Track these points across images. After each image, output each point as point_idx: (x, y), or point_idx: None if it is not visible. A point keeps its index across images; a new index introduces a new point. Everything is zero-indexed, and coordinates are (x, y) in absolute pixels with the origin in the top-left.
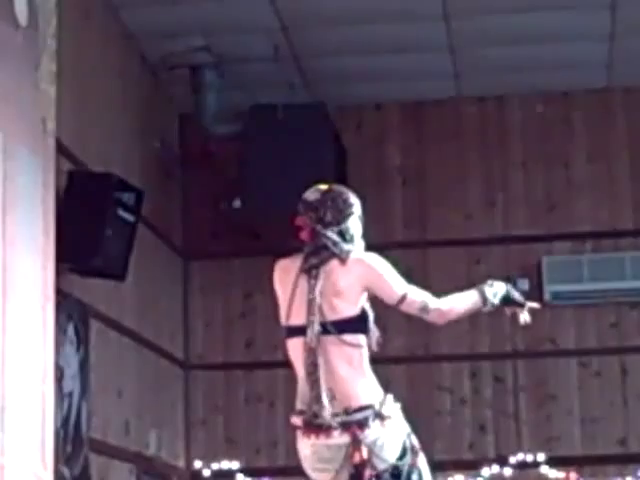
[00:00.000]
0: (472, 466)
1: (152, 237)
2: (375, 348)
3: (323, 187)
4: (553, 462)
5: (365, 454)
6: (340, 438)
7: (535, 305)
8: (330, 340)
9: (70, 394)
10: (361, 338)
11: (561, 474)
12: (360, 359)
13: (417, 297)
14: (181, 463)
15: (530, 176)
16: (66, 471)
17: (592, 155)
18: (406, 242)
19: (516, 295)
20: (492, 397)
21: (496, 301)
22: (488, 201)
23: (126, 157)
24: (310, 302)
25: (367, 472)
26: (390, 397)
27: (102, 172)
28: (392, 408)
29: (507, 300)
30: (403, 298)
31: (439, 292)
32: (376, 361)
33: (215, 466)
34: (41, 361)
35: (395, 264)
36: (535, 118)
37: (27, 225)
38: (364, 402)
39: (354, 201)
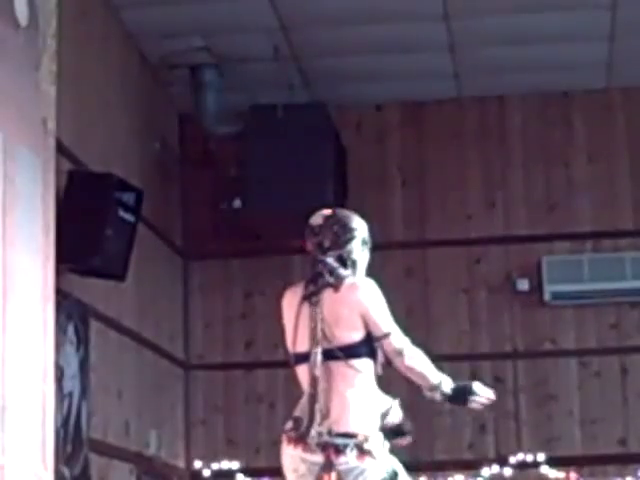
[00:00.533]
0: (472, 466)
1: (152, 237)
2: (380, 372)
3: (327, 212)
4: (553, 462)
5: (333, 479)
6: (315, 456)
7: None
8: (336, 365)
9: (70, 394)
10: (367, 363)
11: (561, 474)
12: (364, 385)
13: (397, 342)
14: (181, 463)
15: (530, 176)
16: (66, 471)
17: (592, 155)
18: (406, 242)
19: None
20: None
21: (438, 396)
22: (488, 201)
23: (126, 157)
24: (312, 330)
25: None
26: (379, 436)
27: (102, 172)
28: (377, 445)
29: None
30: (385, 336)
31: (439, 292)
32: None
33: (215, 466)
34: (41, 361)
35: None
36: (535, 118)
37: (27, 225)
38: (349, 429)
39: (356, 225)
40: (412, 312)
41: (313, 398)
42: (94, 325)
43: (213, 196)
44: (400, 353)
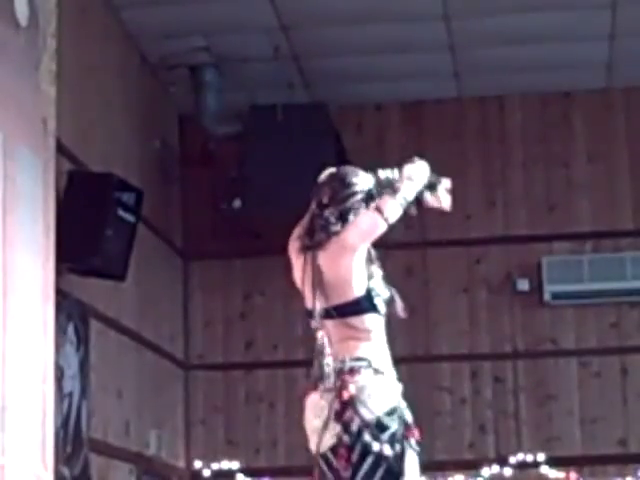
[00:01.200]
0: (472, 466)
1: (152, 237)
2: (403, 315)
3: (332, 170)
4: (553, 462)
5: (353, 390)
6: (332, 385)
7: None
8: (335, 323)
9: (70, 394)
10: (368, 319)
11: (561, 474)
12: (371, 339)
13: (391, 207)
14: (181, 463)
15: (530, 176)
16: (66, 471)
17: (592, 155)
18: (406, 242)
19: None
20: (492, 397)
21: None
22: (488, 201)
23: (126, 157)
24: (311, 287)
25: (354, 424)
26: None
27: (102, 172)
28: (389, 371)
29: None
30: (386, 221)
31: (439, 292)
32: None
33: (215, 466)
34: (41, 361)
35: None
36: (535, 118)
37: (27, 225)
38: (360, 354)
39: (357, 180)
40: (412, 312)
41: (321, 351)
42: (94, 325)
43: (213, 196)
44: (404, 204)
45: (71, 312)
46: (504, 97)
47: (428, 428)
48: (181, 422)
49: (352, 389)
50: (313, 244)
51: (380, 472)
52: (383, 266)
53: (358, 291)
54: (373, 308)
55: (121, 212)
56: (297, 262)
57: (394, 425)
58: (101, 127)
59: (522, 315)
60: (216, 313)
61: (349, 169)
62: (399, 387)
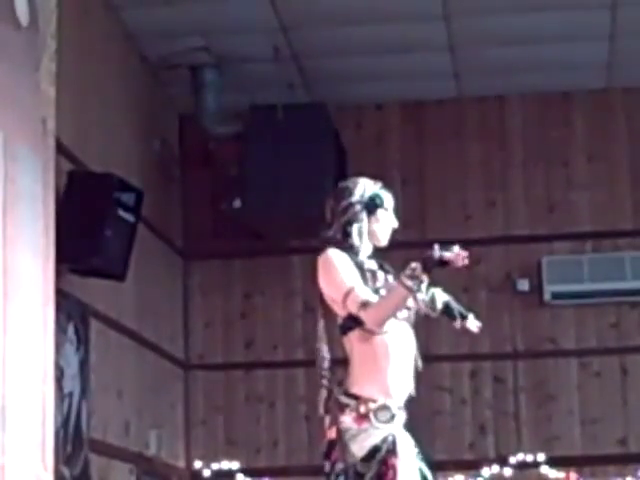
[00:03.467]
0: (472, 466)
1: (152, 237)
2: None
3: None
4: (553, 462)
5: (334, 434)
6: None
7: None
8: (345, 338)
9: (70, 394)
10: (353, 336)
11: (561, 474)
12: (368, 356)
13: (356, 298)
14: (181, 463)
15: (530, 176)
16: (66, 471)
17: (592, 155)
18: (406, 242)
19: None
20: (492, 397)
21: (413, 282)
22: (488, 201)
23: (126, 157)
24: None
25: (339, 465)
26: (384, 406)
27: (102, 172)
28: (378, 414)
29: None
30: (344, 300)
31: None
32: None
33: (215, 466)
34: (41, 361)
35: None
36: (535, 118)
37: (27, 225)
38: (351, 389)
39: (351, 192)
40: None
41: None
42: (94, 325)
43: (213, 196)
44: (364, 304)
45: (71, 312)
46: (504, 97)
47: (428, 428)
48: (181, 422)
49: (332, 433)
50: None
51: None
52: None
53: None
54: (356, 324)
55: (121, 212)
56: None
57: (369, 472)
58: (101, 127)
59: (522, 315)
60: (216, 313)
61: (348, 181)
62: (394, 420)
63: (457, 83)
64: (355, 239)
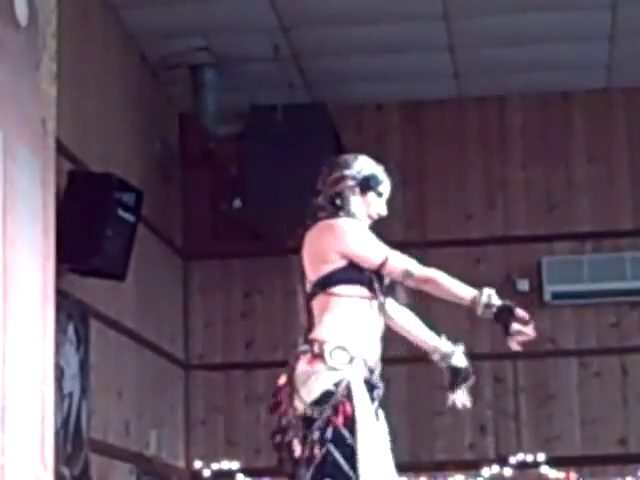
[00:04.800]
0: (472, 466)
1: (152, 237)
2: (405, 300)
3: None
4: (553, 462)
5: (283, 380)
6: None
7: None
8: (316, 301)
9: (70, 394)
10: (349, 289)
11: (561, 474)
12: (343, 307)
13: (399, 264)
14: (181, 463)
15: (530, 176)
16: (66, 471)
17: (592, 155)
18: (406, 242)
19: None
20: (492, 397)
21: (482, 311)
22: (488, 201)
23: (126, 157)
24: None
25: (290, 412)
26: (341, 347)
27: (102, 172)
28: (335, 355)
29: (501, 312)
30: (383, 265)
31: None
32: None
33: (215, 466)
34: (41, 361)
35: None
36: (535, 118)
37: (27, 225)
38: (314, 335)
39: (349, 165)
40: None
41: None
42: (94, 325)
43: (213, 196)
44: (407, 273)
45: (71, 312)
46: (504, 97)
47: (428, 428)
48: (181, 422)
49: (282, 379)
50: (305, 228)
51: (328, 464)
52: None
53: (334, 265)
54: (359, 280)
55: (121, 212)
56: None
57: (319, 418)
58: (101, 127)
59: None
60: (216, 313)
61: (348, 155)
62: (353, 364)
63: (457, 83)
64: (353, 213)
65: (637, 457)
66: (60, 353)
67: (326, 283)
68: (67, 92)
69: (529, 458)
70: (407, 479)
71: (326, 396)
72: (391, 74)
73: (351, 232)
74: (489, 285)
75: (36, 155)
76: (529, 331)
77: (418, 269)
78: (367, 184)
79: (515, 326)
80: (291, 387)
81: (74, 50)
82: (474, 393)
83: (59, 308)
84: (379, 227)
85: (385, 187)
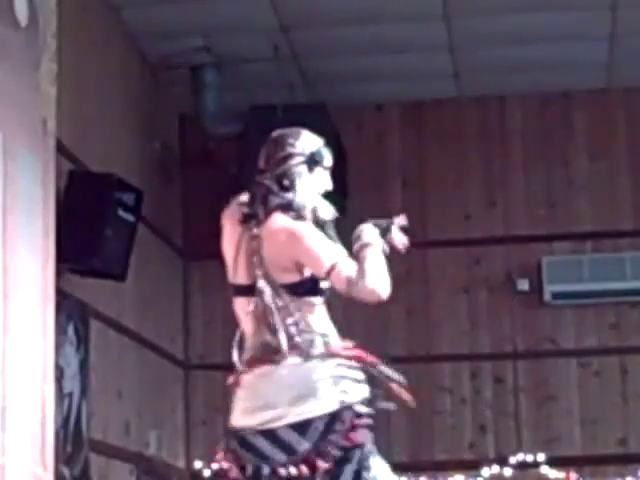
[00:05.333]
0: (472, 466)
1: (152, 237)
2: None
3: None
4: (553, 462)
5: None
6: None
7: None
8: (277, 301)
9: (70, 394)
10: (311, 300)
11: (561, 474)
12: (312, 312)
13: (344, 272)
14: (181, 463)
15: (530, 176)
16: (66, 471)
17: (592, 155)
18: None
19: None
20: (492, 397)
21: (382, 240)
22: (488, 201)
23: (126, 157)
24: (250, 261)
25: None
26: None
27: (102, 172)
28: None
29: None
30: (328, 273)
31: (439, 292)
32: None
33: (215, 466)
34: (41, 361)
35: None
36: (535, 118)
37: (27, 225)
38: (314, 329)
39: (296, 141)
40: (412, 312)
41: (259, 329)
42: (94, 325)
43: (213, 196)
44: (349, 281)
45: (71, 312)
46: (504, 97)
47: (428, 428)
48: (181, 422)
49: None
50: (252, 216)
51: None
52: None
53: (299, 275)
54: (319, 290)
55: (121, 212)
56: (233, 232)
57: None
58: (101, 127)
59: (522, 315)
60: (216, 313)
61: (291, 130)
62: None
63: (457, 83)
64: (303, 193)
65: (637, 457)
66: (60, 353)
67: (293, 292)
68: (67, 92)
69: (529, 458)
70: (407, 479)
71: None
72: (391, 74)
73: (304, 237)
74: (489, 285)
75: (36, 155)
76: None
77: (361, 273)
78: (314, 160)
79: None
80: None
81: (74, 50)
82: (474, 393)
83: (59, 308)
84: None
85: (329, 160)
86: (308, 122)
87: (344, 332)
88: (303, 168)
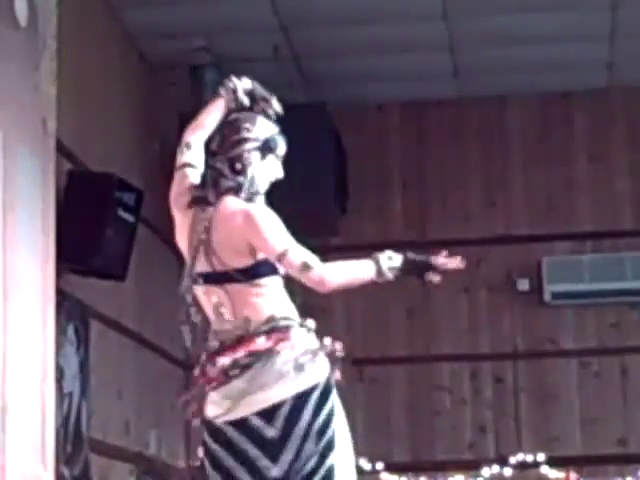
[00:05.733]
0: (472, 466)
1: (152, 237)
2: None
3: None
4: (553, 462)
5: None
6: (264, 344)
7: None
8: (233, 287)
9: (70, 394)
10: (269, 281)
11: (561, 474)
12: (271, 295)
13: (298, 257)
14: (181, 463)
15: (530, 176)
16: (66, 471)
17: (592, 155)
18: (406, 242)
19: (418, 259)
20: (492, 397)
21: (391, 275)
22: (488, 201)
23: (126, 157)
24: (199, 247)
25: (301, 384)
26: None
27: (102, 172)
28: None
29: (407, 268)
30: (282, 256)
31: (439, 292)
32: (376, 361)
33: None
34: (41, 361)
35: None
36: (535, 118)
37: (27, 225)
38: (286, 314)
39: (251, 126)
40: (412, 312)
41: (221, 313)
42: (94, 325)
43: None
44: (306, 268)
45: (71, 312)
46: (504, 97)
47: (428, 428)
48: (181, 422)
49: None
50: (202, 199)
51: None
52: None
53: (253, 258)
54: (274, 270)
55: (121, 212)
56: (184, 220)
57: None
58: (101, 127)
59: (522, 315)
60: None
61: (247, 114)
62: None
63: (457, 83)
64: (255, 179)
65: (637, 457)
66: (60, 353)
67: (248, 275)
68: (67, 92)
69: (529, 458)
70: (407, 479)
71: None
72: (391, 74)
73: (260, 220)
74: (489, 285)
75: (36, 155)
76: (453, 262)
77: (317, 266)
78: (268, 147)
79: (440, 261)
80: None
81: (74, 50)
82: (474, 393)
83: (59, 308)
84: (379, 227)
85: (283, 148)
86: (308, 122)
87: (344, 332)
88: (256, 154)
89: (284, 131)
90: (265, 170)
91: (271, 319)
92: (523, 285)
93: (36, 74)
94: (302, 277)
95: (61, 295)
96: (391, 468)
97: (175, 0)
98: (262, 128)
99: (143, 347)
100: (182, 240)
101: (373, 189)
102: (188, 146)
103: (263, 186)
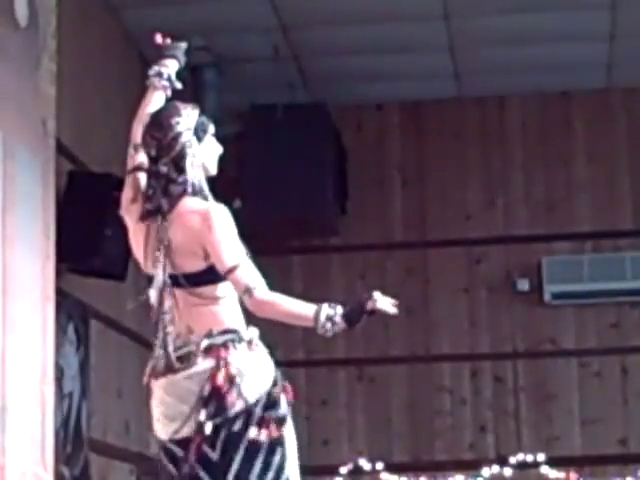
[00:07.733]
0: (472, 466)
1: None
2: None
3: (151, 113)
4: (553, 462)
5: (233, 371)
6: (203, 364)
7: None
8: (182, 293)
9: (70, 394)
10: (219, 288)
11: (561, 474)
12: (223, 308)
13: (244, 277)
14: None
15: (530, 176)
16: (66, 471)
17: (592, 155)
18: (406, 242)
19: (352, 309)
20: (492, 397)
21: (329, 324)
22: (488, 201)
23: (126, 157)
24: (154, 252)
25: (237, 405)
26: (256, 331)
27: (102, 172)
28: (258, 340)
29: (347, 319)
30: (230, 271)
31: (439, 292)
32: (376, 361)
33: None
34: (41, 361)
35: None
36: (535, 118)
37: (27, 225)
38: (228, 326)
39: (177, 120)
40: (412, 312)
41: (163, 323)
42: (94, 325)
43: (213, 196)
44: (248, 291)
45: (71, 312)
46: (504, 97)
47: (428, 428)
48: None
49: (232, 370)
50: (155, 210)
51: (276, 457)
52: (384, 266)
53: (206, 263)
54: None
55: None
56: (137, 228)
57: (280, 396)
58: (101, 127)
59: (522, 315)
60: None
61: (167, 110)
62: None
63: (457, 83)
64: (202, 168)
65: (637, 457)
66: (60, 353)
67: (195, 281)
68: (67, 92)
69: (529, 458)
70: (407, 479)
71: (276, 378)
72: (391, 74)
73: (220, 225)
74: (489, 285)
75: (36, 155)
76: (388, 308)
77: (259, 291)
78: (202, 130)
79: (378, 306)
80: (234, 381)
81: (74, 50)
82: (474, 393)
83: (59, 308)
84: (379, 227)
85: (211, 124)
86: (308, 122)
87: (344, 332)
88: (194, 142)
89: (284, 131)
90: (208, 151)
91: (209, 334)
92: (523, 285)
93: (36, 74)
94: (243, 297)
95: (61, 295)
96: (391, 468)
97: (175, 0)
98: (188, 116)
99: (143, 347)
100: (138, 251)
101: (373, 189)
102: (137, 148)
103: (213, 167)
